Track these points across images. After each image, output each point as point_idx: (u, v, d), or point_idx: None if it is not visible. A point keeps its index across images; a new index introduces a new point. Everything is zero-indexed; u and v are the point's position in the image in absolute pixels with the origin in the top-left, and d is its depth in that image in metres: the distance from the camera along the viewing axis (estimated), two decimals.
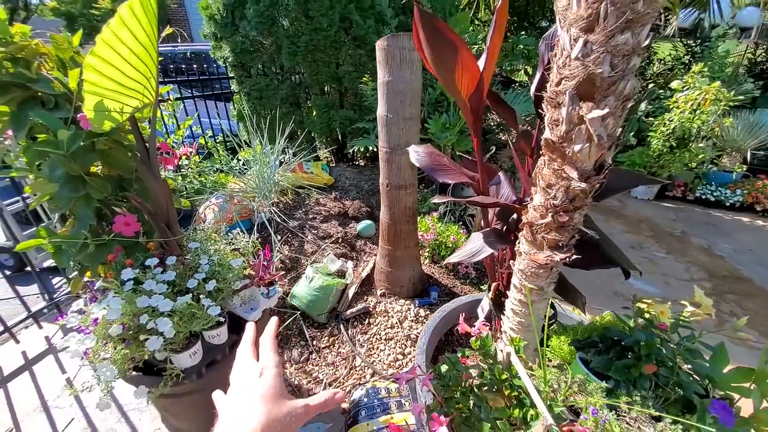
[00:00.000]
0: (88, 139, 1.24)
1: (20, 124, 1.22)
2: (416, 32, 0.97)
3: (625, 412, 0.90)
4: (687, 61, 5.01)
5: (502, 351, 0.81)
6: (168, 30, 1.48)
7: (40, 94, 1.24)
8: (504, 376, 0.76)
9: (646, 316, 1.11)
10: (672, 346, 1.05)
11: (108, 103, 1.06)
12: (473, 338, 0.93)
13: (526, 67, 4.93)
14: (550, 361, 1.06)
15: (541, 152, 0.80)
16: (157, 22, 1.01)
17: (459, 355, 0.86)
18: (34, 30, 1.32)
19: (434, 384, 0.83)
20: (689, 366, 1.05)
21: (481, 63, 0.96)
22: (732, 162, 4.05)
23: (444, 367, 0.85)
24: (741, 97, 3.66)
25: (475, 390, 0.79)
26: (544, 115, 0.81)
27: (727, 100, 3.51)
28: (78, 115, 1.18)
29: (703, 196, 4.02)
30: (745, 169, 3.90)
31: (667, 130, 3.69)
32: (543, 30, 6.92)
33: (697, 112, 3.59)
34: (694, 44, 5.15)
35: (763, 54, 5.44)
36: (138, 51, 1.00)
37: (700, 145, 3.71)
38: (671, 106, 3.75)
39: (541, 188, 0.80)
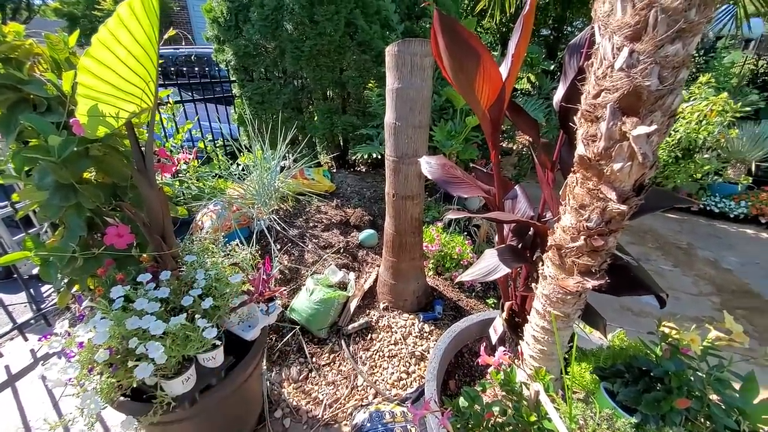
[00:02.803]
0: (80, 144, 1.16)
1: (9, 128, 1.14)
2: (434, 37, 0.91)
3: None
4: (691, 72, 5.01)
5: (527, 386, 0.73)
6: (171, 32, 1.42)
7: (31, 96, 1.17)
8: (533, 418, 0.69)
9: (670, 341, 1.04)
10: (701, 375, 0.98)
11: (103, 107, 0.99)
12: (492, 369, 0.85)
13: (528, 75, 4.90)
14: (573, 392, 0.99)
15: (572, 169, 0.73)
16: (159, 23, 0.95)
17: (479, 388, 0.79)
18: (34, 30, 1.25)
19: (452, 421, 0.76)
20: (718, 397, 0.98)
21: (503, 71, 0.90)
22: (737, 173, 4.02)
23: (462, 402, 0.78)
24: (747, 108, 3.63)
25: (498, 430, 0.72)
26: (575, 129, 0.75)
27: (733, 111, 3.48)
28: (71, 120, 1.11)
29: (708, 208, 3.98)
30: (750, 180, 3.86)
31: (672, 140, 3.65)
32: (545, 38, 6.92)
33: (703, 122, 3.56)
34: (698, 55, 5.15)
35: (766, 65, 5.45)
36: (137, 53, 0.93)
37: (705, 156, 3.68)
38: (677, 117, 3.72)
39: (572, 208, 0.73)
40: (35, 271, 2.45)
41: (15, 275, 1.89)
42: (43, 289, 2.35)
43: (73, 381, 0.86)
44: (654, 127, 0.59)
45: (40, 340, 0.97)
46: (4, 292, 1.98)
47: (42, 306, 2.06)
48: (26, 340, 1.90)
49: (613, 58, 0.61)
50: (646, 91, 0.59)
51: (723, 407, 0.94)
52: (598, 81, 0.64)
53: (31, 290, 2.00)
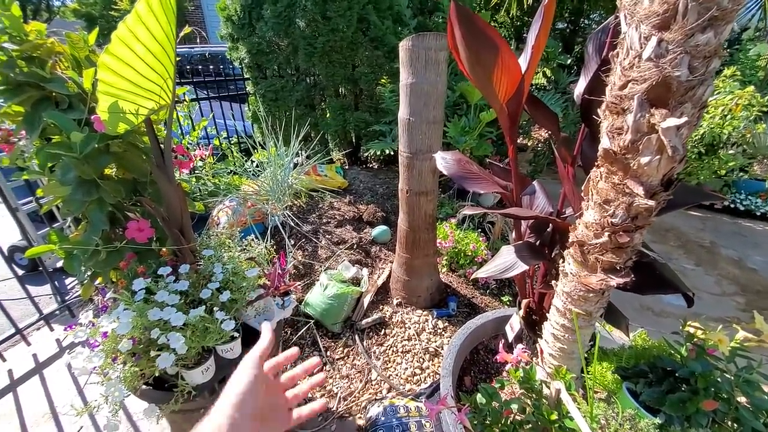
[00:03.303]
0: (101, 141, 1.19)
1: (33, 125, 1.18)
2: (450, 29, 0.89)
3: None
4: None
5: (547, 384, 0.72)
6: (186, 29, 1.43)
7: (54, 94, 1.20)
8: (554, 417, 0.68)
9: (696, 341, 1.01)
10: (729, 377, 0.95)
11: (123, 104, 1.01)
12: (510, 367, 0.84)
13: (544, 69, 4.80)
14: (595, 392, 0.97)
15: (596, 163, 0.71)
16: (175, 19, 0.96)
17: (497, 385, 0.78)
18: (52, 30, 1.28)
19: (469, 417, 0.75)
20: (747, 399, 0.95)
21: (522, 63, 0.88)
22: (763, 170, 3.87)
23: (480, 399, 0.77)
24: None
25: (517, 428, 0.71)
26: (598, 122, 0.72)
27: (760, 105, 3.34)
28: (92, 117, 1.14)
29: (732, 205, 3.84)
30: None
31: (695, 136, 3.53)
32: (561, 31, 6.76)
33: (728, 117, 3.43)
34: (722, 47, 4.96)
35: None
36: (155, 50, 0.95)
37: (730, 152, 3.54)
38: None
39: (596, 204, 0.71)
40: (59, 264, 2.53)
41: (40, 268, 1.96)
42: (68, 281, 2.44)
43: (97, 370, 0.88)
44: (684, 119, 0.57)
45: (65, 329, 1.01)
46: (31, 284, 2.05)
47: (66, 297, 2.13)
48: (52, 330, 1.97)
49: (641, 47, 0.59)
50: (676, 82, 0.57)
51: (751, 409, 0.90)
52: (624, 71, 0.62)
53: (56, 282, 2.07)
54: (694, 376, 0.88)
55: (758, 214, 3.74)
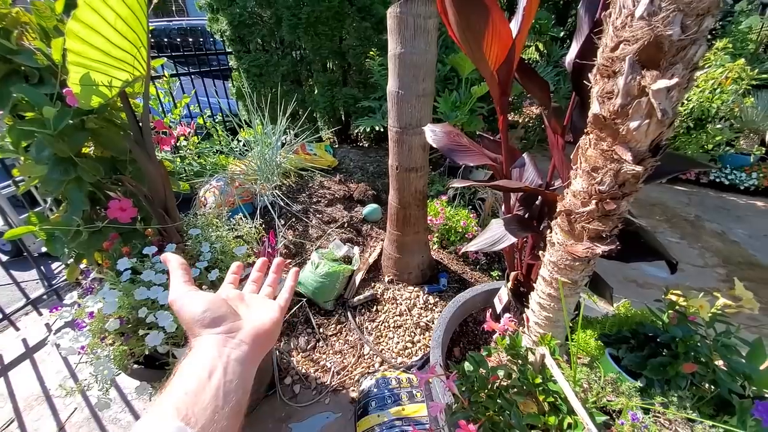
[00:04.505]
0: (76, 116, 1.14)
1: (2, 101, 1.12)
2: None
3: (659, 413, 0.85)
4: (706, 38, 4.78)
5: (532, 351, 0.73)
6: None
7: (22, 67, 1.13)
8: (538, 380, 0.69)
9: (677, 308, 1.04)
10: (708, 342, 0.98)
11: (95, 76, 0.96)
12: (497, 335, 0.86)
13: (537, 43, 4.71)
14: (578, 358, 1.00)
15: (585, 130, 0.70)
16: None
17: (484, 353, 0.79)
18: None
19: (457, 384, 0.77)
20: (724, 362, 0.99)
21: (513, 28, 0.85)
22: (749, 144, 3.91)
23: (468, 366, 0.79)
24: (764, 76, 3.48)
25: (504, 393, 0.73)
26: (589, 88, 0.71)
27: (749, 78, 3.34)
28: (64, 91, 1.08)
29: (717, 180, 3.90)
30: (763, 151, 3.76)
31: (685, 110, 3.53)
32: (554, 3, 6.58)
33: (717, 91, 3.42)
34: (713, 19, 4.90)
35: None
36: (125, 15, 0.89)
37: (718, 126, 3.56)
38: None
39: (584, 172, 0.70)
40: (44, 248, 2.48)
41: (25, 253, 1.91)
42: (54, 266, 2.39)
43: (86, 349, 0.88)
44: (675, 80, 0.55)
45: (51, 311, 0.99)
46: (17, 270, 2.01)
47: (53, 282, 2.10)
48: (40, 314, 1.95)
49: (633, 5, 0.57)
50: (668, 42, 0.55)
51: (729, 372, 0.94)
52: (616, 32, 0.60)
53: (42, 267, 2.03)
54: (675, 341, 0.91)
55: (742, 188, 3.81)
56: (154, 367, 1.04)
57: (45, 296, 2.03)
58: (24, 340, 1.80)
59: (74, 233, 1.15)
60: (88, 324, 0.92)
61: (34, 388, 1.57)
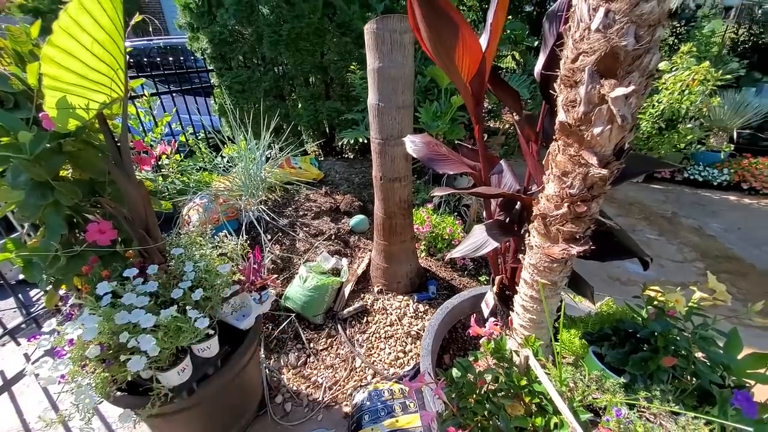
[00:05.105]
0: (53, 140, 1.12)
1: None
2: (410, 8, 0.88)
3: (644, 408, 0.86)
4: (671, 42, 5.01)
5: (517, 353, 0.75)
6: (137, 17, 1.35)
7: None
8: (523, 382, 0.71)
9: (656, 304, 1.07)
10: (686, 335, 1.01)
11: (72, 99, 0.95)
12: (484, 339, 0.87)
13: (513, 53, 4.86)
14: (563, 357, 1.01)
15: (554, 137, 0.73)
16: (122, 6, 0.90)
17: (471, 358, 0.80)
18: None
19: (446, 391, 0.77)
20: (703, 354, 1.02)
21: (483, 42, 0.88)
22: (719, 142, 4.09)
23: (456, 372, 0.79)
24: (728, 76, 3.66)
25: (491, 397, 0.73)
26: (555, 97, 0.74)
27: (714, 79, 3.51)
28: (40, 115, 1.07)
29: (691, 177, 4.06)
30: (732, 148, 3.93)
31: (656, 111, 3.68)
32: (528, 14, 6.83)
33: (686, 92, 3.58)
34: (678, 25, 5.15)
35: (745, 33, 5.48)
36: (101, 38, 0.89)
37: (688, 125, 3.72)
38: (660, 87, 3.74)
39: (555, 177, 0.73)
40: (22, 276, 2.40)
41: (1, 281, 1.85)
42: (32, 293, 2.31)
43: (66, 378, 0.85)
44: (632, 87, 0.59)
45: (29, 340, 0.96)
46: None
47: (32, 310, 2.03)
48: (18, 344, 1.87)
49: (590, 19, 0.60)
50: (623, 52, 0.59)
51: (708, 364, 0.97)
52: (575, 44, 0.63)
53: (20, 295, 1.96)
54: (654, 335, 0.93)
55: (715, 183, 3.98)
56: (138, 393, 1.01)
57: (23, 325, 1.95)
58: (2, 373, 1.72)
59: (52, 258, 1.12)
60: (68, 351, 0.89)
61: (14, 422, 1.50)
